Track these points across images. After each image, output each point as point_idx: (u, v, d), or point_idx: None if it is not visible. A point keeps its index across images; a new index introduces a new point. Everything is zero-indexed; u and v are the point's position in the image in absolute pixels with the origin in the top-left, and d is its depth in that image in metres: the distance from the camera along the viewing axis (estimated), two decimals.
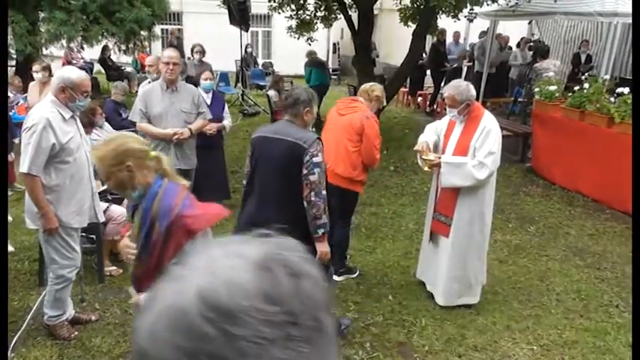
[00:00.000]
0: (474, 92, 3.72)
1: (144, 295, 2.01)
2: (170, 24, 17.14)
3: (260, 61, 16.56)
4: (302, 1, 9.30)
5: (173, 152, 4.43)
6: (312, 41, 10.06)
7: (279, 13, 9.60)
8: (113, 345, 3.37)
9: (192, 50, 8.13)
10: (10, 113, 6.48)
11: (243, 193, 3.19)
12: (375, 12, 11.33)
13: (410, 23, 9.27)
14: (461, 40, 12.48)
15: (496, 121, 3.70)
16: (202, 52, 7.96)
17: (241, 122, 10.12)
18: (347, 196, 4.05)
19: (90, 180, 3.34)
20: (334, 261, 3.78)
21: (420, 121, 10.10)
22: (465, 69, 12.11)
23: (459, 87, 3.68)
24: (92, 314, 3.66)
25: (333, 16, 9.80)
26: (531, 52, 10.61)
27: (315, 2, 9.40)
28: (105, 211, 3.98)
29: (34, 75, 6.65)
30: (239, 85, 12.37)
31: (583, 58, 10.27)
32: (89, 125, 4.43)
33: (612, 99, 6.15)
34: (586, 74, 7.75)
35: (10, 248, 4.35)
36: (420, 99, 12.12)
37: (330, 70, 16.25)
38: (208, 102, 5.05)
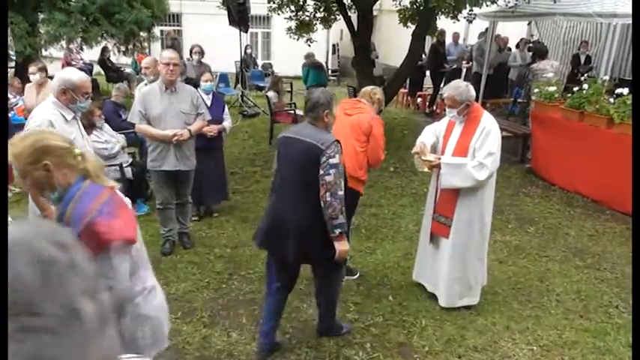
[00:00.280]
0: (473, 93, 3.72)
1: None
2: (169, 25, 17.16)
3: (259, 62, 16.58)
4: (301, 3, 9.31)
5: (173, 153, 4.44)
6: (311, 42, 10.07)
7: (278, 14, 9.60)
8: None
9: (191, 51, 8.14)
10: (10, 115, 6.48)
11: (270, 189, 3.34)
12: (375, 13, 11.33)
13: (409, 24, 9.28)
14: (460, 41, 12.50)
15: (495, 121, 3.70)
16: (201, 53, 7.96)
17: (241, 123, 10.13)
18: (349, 195, 4.08)
19: None
20: None
21: (419, 122, 10.11)
22: (464, 70, 12.12)
23: (458, 87, 3.68)
24: None
25: (332, 17, 9.80)
26: (530, 53, 10.63)
27: (315, 3, 9.40)
28: None
29: (31, 76, 6.64)
30: (239, 86, 12.38)
31: (582, 59, 10.29)
32: (89, 127, 4.45)
33: (612, 100, 6.15)
34: (585, 75, 7.75)
35: None
36: (419, 100, 12.12)
37: (330, 71, 16.28)
38: (208, 103, 5.06)
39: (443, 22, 9.75)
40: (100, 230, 1.78)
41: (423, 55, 11.00)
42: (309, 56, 10.49)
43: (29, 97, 6.80)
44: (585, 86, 6.51)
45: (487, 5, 7.88)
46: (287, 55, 15.36)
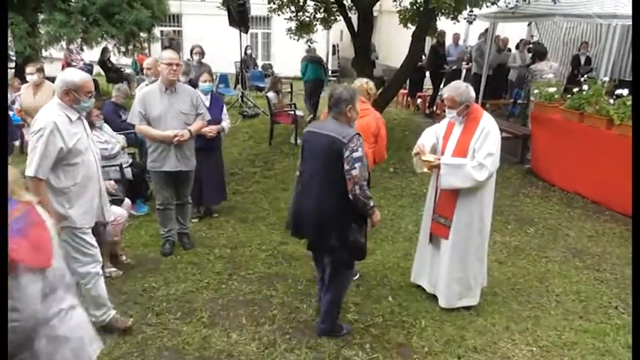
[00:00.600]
0: (473, 93, 3.73)
1: None
2: (170, 26, 17.17)
3: (259, 62, 16.59)
4: (301, 3, 9.31)
5: (173, 154, 4.45)
6: (311, 43, 10.09)
7: (278, 14, 9.60)
8: (113, 347, 3.37)
9: (191, 52, 8.13)
10: (10, 114, 6.48)
11: (295, 182, 3.51)
12: (375, 14, 11.35)
13: (409, 25, 9.29)
14: (460, 42, 12.49)
15: (495, 122, 3.71)
16: (202, 54, 7.96)
17: (241, 124, 10.13)
18: None
19: (99, 180, 3.36)
20: None
21: (419, 123, 10.12)
22: (464, 71, 12.13)
23: (458, 88, 3.69)
24: (128, 320, 3.60)
25: (332, 18, 9.81)
26: (530, 54, 10.63)
27: (315, 4, 9.41)
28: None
29: (28, 77, 6.63)
30: (239, 86, 12.39)
31: (582, 59, 10.29)
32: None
33: (611, 101, 6.15)
34: (585, 76, 7.75)
35: None
36: (419, 101, 12.12)
37: (330, 72, 16.28)
38: (207, 104, 5.05)
39: (443, 23, 9.75)
40: (10, 247, 1.70)
41: (423, 56, 11.01)
42: (310, 50, 10.52)
43: (26, 98, 6.81)
44: (585, 87, 6.52)
45: (487, 6, 7.89)
46: (287, 56, 15.38)
